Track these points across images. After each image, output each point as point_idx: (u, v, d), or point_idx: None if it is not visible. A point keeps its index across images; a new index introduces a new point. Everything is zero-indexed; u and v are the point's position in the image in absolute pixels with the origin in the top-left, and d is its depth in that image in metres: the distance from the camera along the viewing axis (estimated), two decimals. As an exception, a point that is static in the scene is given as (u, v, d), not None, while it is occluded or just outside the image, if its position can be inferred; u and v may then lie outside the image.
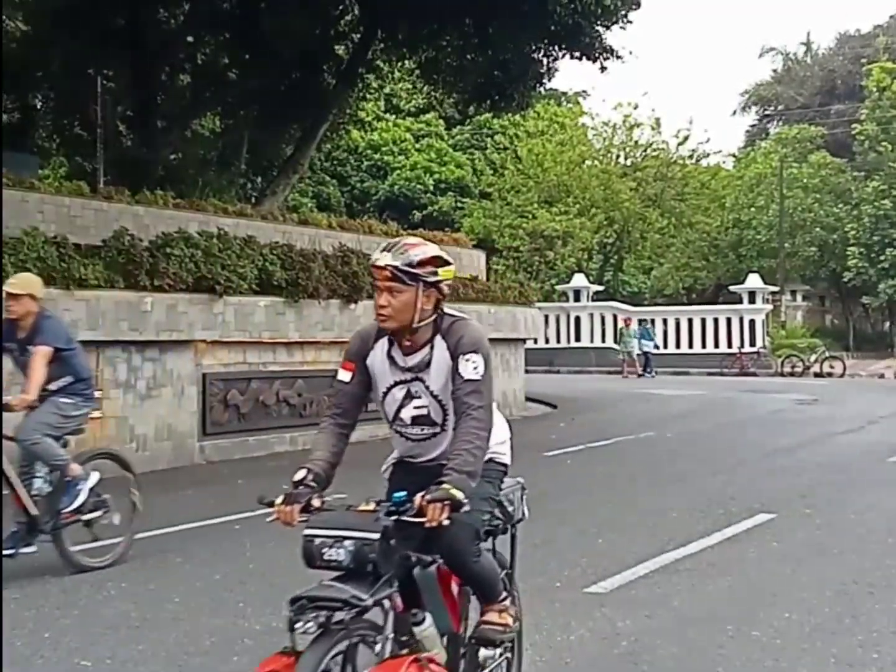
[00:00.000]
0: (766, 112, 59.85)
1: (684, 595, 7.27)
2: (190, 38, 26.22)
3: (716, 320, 37.84)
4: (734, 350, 36.32)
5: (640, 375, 34.06)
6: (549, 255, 45.63)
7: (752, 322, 37.22)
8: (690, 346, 37.58)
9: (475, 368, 4.01)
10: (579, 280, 40.04)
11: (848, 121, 48.59)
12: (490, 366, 4.05)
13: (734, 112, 60.10)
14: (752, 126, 60.07)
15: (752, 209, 48.95)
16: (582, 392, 27.49)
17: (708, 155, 52.20)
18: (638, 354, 34.90)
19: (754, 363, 35.83)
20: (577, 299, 39.47)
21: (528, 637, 6.31)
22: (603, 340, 38.54)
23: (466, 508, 3.74)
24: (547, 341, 36.16)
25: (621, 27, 23.39)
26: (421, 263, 3.95)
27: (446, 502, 3.67)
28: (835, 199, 48.47)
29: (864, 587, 7.37)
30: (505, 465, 4.38)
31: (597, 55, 24.00)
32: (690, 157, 50.74)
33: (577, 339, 38.11)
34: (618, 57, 24.38)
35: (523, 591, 7.49)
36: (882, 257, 44.30)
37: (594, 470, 13.86)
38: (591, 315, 39.02)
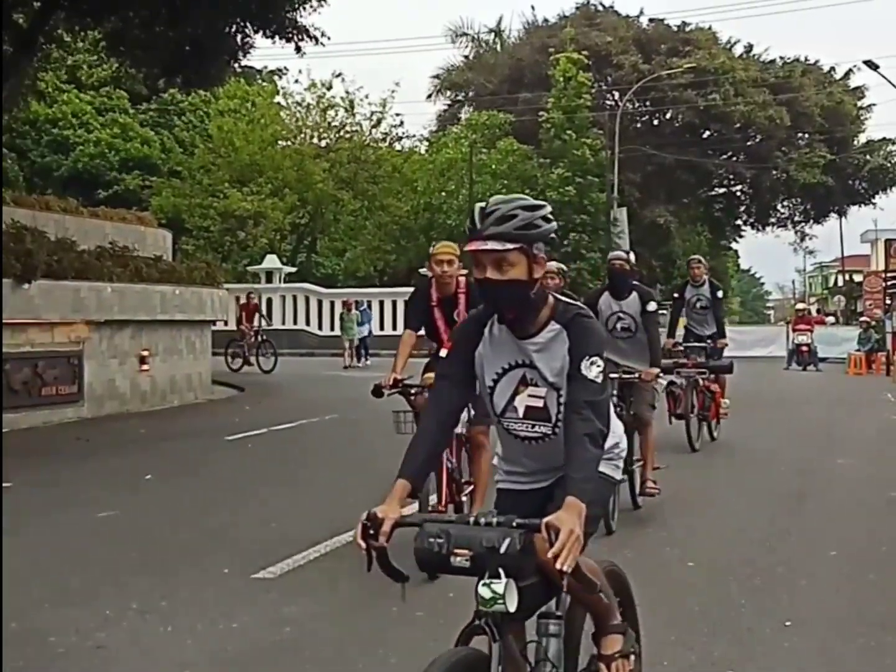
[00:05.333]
0: (458, 97, 60.97)
1: (353, 578, 7.26)
2: None
3: (406, 303, 38.41)
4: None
5: (346, 367, 31.32)
6: (241, 236, 45.13)
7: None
8: (381, 328, 38.00)
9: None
10: (272, 261, 39.81)
11: (535, 109, 50.01)
12: None
13: (429, 96, 60.89)
14: (444, 111, 61.06)
15: (443, 193, 49.83)
16: (271, 375, 27.40)
17: (401, 138, 52.90)
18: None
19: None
20: (269, 281, 39.24)
21: (190, 626, 6.23)
22: (295, 323, 38.50)
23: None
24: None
25: (314, 8, 23.27)
26: None
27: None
28: (522, 185, 49.89)
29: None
30: None
31: (290, 35, 23.80)
32: (384, 140, 51.25)
33: (269, 321, 37.92)
34: (311, 37, 24.24)
35: (190, 580, 7.38)
36: (565, 242, 45.95)
37: (274, 454, 13.76)
38: (283, 297, 38.90)
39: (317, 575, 7.37)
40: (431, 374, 6.69)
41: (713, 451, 13.59)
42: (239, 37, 24.27)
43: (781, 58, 56.08)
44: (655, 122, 56.69)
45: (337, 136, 49.76)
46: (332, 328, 37.15)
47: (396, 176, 49.61)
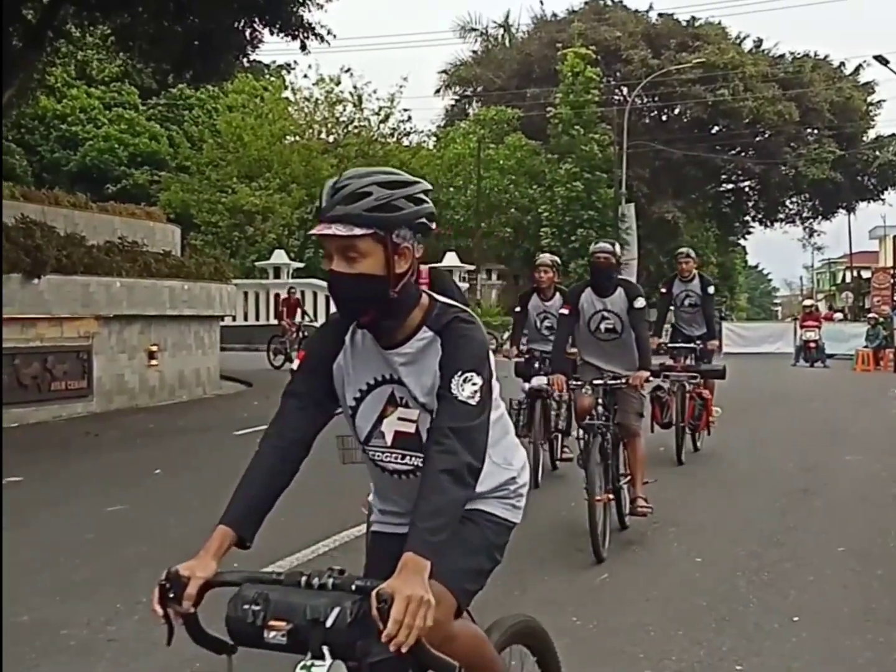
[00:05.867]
0: (466, 93, 60.97)
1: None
2: None
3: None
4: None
5: None
6: (249, 231, 45.19)
7: (446, 300, 37.98)
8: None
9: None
10: (279, 256, 39.83)
11: (543, 104, 50.02)
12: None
13: (437, 91, 60.92)
14: (452, 106, 61.10)
15: (451, 189, 49.86)
16: (279, 371, 27.40)
17: (409, 134, 52.94)
18: None
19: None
20: (277, 276, 39.25)
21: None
22: (303, 317, 38.46)
23: None
24: (246, 318, 35.84)
25: (320, 5, 23.31)
26: None
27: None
28: (529, 181, 49.96)
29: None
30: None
31: (296, 32, 23.84)
32: (392, 135, 51.29)
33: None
34: (317, 35, 24.29)
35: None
36: (573, 237, 45.99)
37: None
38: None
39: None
40: None
41: (721, 446, 13.55)
42: (247, 31, 24.33)
43: (791, 53, 56.13)
44: (664, 118, 56.65)
45: (345, 131, 49.84)
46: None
47: (404, 171, 49.54)
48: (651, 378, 10.02)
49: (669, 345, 12.76)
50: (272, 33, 24.01)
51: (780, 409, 18.88)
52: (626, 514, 8.48)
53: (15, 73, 23.21)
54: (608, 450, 8.02)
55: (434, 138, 57.45)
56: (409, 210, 2.97)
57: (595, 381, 8.17)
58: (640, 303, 8.59)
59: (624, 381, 8.31)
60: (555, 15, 59.74)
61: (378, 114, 49.70)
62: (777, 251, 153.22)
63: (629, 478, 8.48)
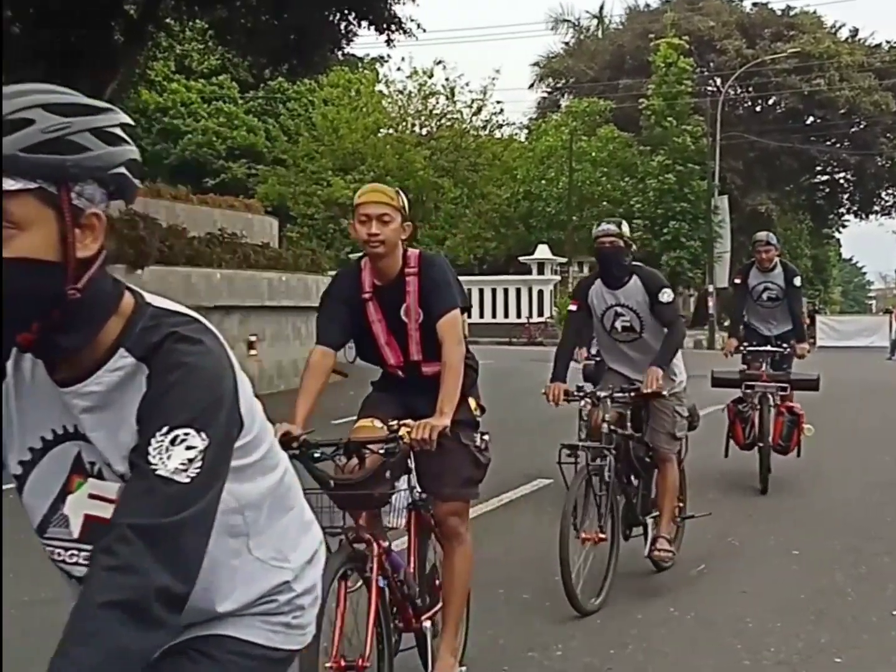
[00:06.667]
0: (558, 85, 60.87)
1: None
2: (-31, -10, 25.16)
3: (506, 290, 38.59)
4: (523, 320, 37.04)
5: None
6: (344, 223, 45.55)
7: (540, 292, 38.09)
8: (481, 315, 38.18)
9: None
10: (373, 248, 40.11)
11: (635, 95, 49.83)
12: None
13: (531, 85, 60.95)
14: (544, 98, 61.02)
15: (543, 181, 49.83)
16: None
17: (501, 126, 53.00)
18: None
19: (542, 333, 36.66)
20: (370, 267, 39.54)
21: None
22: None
23: None
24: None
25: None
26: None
27: None
28: (622, 173, 49.76)
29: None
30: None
31: (385, 26, 24.12)
32: (484, 127, 51.39)
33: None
34: (405, 31, 24.55)
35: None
36: (665, 230, 45.75)
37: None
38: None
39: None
40: (368, 422, 4.74)
41: (815, 438, 13.42)
42: (342, 25, 24.66)
43: (888, 42, 55.19)
44: (758, 109, 56.07)
45: (438, 123, 50.02)
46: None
47: (496, 164, 49.73)
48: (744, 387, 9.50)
49: (746, 347, 10.41)
50: (360, 26, 24.36)
51: (875, 402, 18.70)
52: (644, 556, 6.98)
53: (117, 67, 23.78)
54: (609, 479, 6.48)
55: (526, 131, 57.46)
56: (99, 152, 1.79)
57: (616, 394, 6.69)
58: (665, 295, 6.94)
59: (633, 390, 6.77)
60: (648, 5, 59.54)
61: (470, 106, 49.84)
62: (872, 244, 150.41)
63: (658, 513, 7.07)
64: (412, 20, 24.15)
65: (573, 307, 7.32)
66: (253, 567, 2.07)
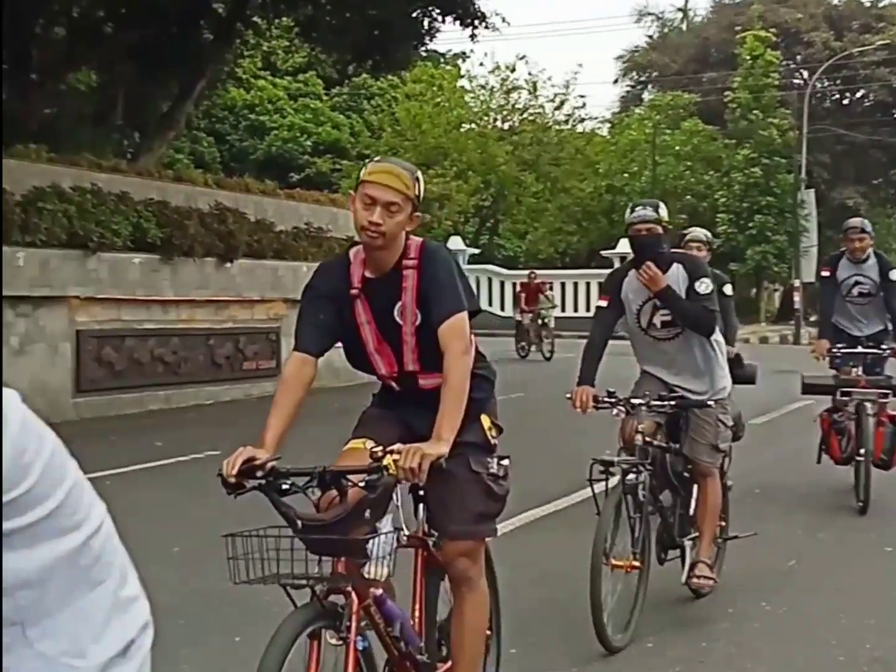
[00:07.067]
0: (641, 79, 60.59)
1: (545, 551, 7.53)
2: (64, -11, 25.67)
3: (587, 284, 38.45)
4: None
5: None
6: (426, 218, 45.73)
7: (623, 287, 37.83)
8: (563, 309, 38.09)
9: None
10: (456, 243, 40.26)
11: (720, 88, 49.41)
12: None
13: (615, 80, 60.77)
14: (627, 92, 60.77)
15: (626, 175, 49.58)
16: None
17: (583, 120, 52.80)
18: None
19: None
20: (452, 261, 39.64)
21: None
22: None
23: None
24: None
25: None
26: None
27: None
28: (706, 167, 49.36)
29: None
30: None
31: (469, 21, 24.21)
32: (566, 122, 51.24)
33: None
34: (488, 26, 24.63)
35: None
36: (751, 224, 45.31)
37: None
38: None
39: (512, 548, 7.56)
40: (360, 443, 4.01)
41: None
42: (425, 21, 24.80)
43: (981, 33, 54.04)
44: (846, 101, 55.27)
45: (520, 118, 49.96)
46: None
47: (578, 158, 49.54)
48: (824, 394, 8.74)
49: (838, 349, 9.19)
50: (444, 21, 24.47)
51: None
52: (682, 583, 6.21)
53: (206, 65, 24.15)
54: (644, 498, 5.76)
55: (608, 125, 57.22)
56: None
57: (652, 402, 5.91)
58: (704, 286, 6.05)
59: (674, 399, 6.05)
60: (734, -2, 58.86)
61: (553, 100, 49.70)
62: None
63: (697, 534, 6.30)
64: (496, 14, 24.23)
65: (602, 303, 6.48)
66: (34, 666, 1.52)
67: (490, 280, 38.74)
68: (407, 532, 3.76)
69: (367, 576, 3.58)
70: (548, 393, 16.59)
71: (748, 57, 46.09)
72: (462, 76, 53.06)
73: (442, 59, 54.77)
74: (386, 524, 3.60)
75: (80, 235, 14.63)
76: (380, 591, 3.71)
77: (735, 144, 47.11)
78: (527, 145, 48.40)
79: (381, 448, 3.56)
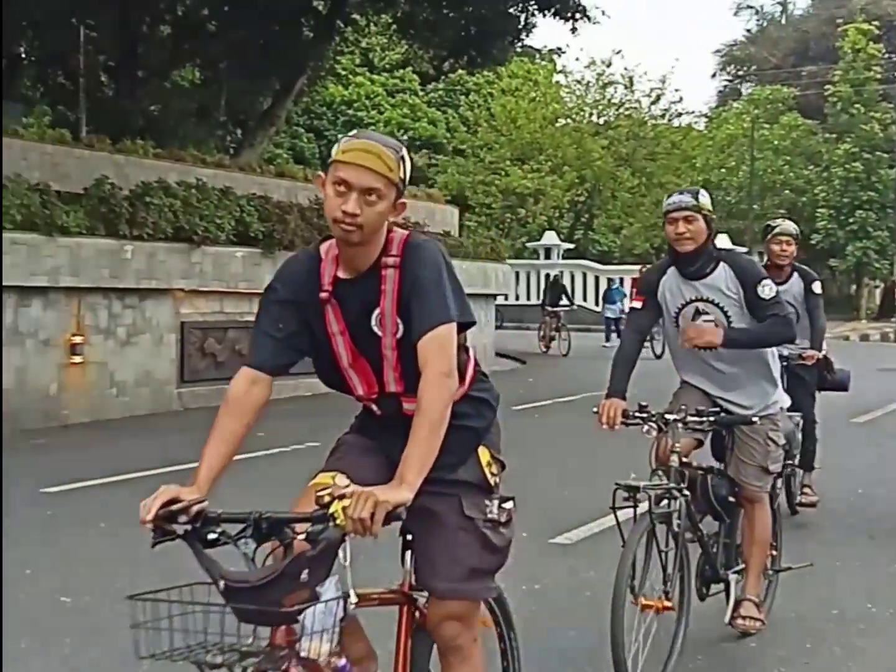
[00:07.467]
0: (739, 73, 60.03)
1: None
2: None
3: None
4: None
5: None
6: (521, 213, 45.86)
7: (719, 282, 37.51)
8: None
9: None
10: (550, 238, 40.28)
11: (820, 82, 48.81)
12: None
13: (713, 74, 60.31)
14: (725, 86, 60.29)
15: (723, 170, 49.21)
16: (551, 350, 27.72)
17: (680, 115, 52.43)
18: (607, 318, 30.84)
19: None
20: (547, 257, 39.71)
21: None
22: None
23: None
24: (517, 298, 36.44)
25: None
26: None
27: None
28: (805, 162, 48.79)
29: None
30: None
31: (569, 15, 24.27)
32: (662, 116, 50.92)
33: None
34: (588, 18, 24.67)
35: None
36: (851, 220, 44.74)
37: (560, 424, 14.16)
38: (561, 273, 39.32)
39: (611, 543, 7.60)
40: (329, 477, 3.14)
41: None
42: (522, 17, 24.94)
43: None
44: (950, 95, 54.20)
45: (616, 113, 49.74)
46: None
47: (675, 152, 49.18)
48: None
49: None
50: (544, 16, 24.56)
51: None
52: (726, 623, 5.46)
53: (306, 62, 24.55)
54: (679, 529, 4.95)
55: (705, 119, 56.74)
56: None
57: (667, 416, 5.05)
58: (766, 289, 5.22)
59: (714, 416, 5.14)
60: (835, -9, 58.02)
61: (649, 95, 49.44)
62: None
63: (743, 566, 5.59)
64: (596, 7, 24.30)
65: (636, 304, 5.53)
66: None
67: (585, 275, 38.65)
68: (354, 600, 2.76)
69: (301, 654, 2.76)
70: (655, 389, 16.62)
71: (849, 50, 45.50)
72: (558, 71, 52.98)
73: (538, 55, 54.71)
74: (329, 588, 2.76)
75: (186, 229, 15.02)
76: (342, 663, 2.89)
77: (835, 139, 46.54)
78: (622, 140, 48.19)
79: (328, 491, 2.70)
